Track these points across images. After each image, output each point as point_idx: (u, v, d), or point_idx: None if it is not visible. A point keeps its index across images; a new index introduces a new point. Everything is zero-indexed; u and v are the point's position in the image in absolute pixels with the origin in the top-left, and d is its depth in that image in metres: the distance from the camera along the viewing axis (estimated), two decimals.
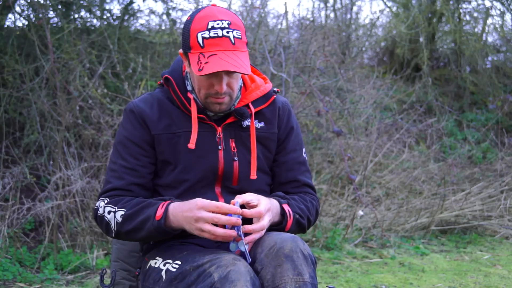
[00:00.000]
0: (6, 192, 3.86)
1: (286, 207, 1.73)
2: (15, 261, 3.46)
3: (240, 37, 1.66)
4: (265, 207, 1.63)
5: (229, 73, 1.67)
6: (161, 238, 1.69)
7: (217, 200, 1.77)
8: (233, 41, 1.64)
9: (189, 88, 1.80)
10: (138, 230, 1.65)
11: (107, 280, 1.92)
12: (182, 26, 5.29)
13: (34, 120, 4.22)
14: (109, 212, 1.70)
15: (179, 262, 1.64)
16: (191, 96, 1.77)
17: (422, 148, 6.59)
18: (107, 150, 4.03)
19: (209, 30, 1.63)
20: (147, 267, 1.75)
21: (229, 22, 1.65)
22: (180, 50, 1.76)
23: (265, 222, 1.61)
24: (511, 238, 4.58)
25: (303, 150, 1.92)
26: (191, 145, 1.72)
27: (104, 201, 1.73)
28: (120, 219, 1.67)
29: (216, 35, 1.63)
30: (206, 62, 1.61)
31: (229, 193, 1.77)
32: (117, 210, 1.69)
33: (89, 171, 3.98)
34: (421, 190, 5.34)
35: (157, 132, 1.77)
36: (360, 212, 4.37)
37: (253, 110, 1.80)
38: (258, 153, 1.80)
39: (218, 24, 1.63)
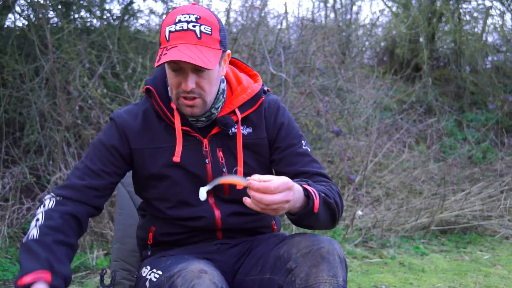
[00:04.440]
0: (6, 192, 3.86)
1: (308, 187, 1.56)
2: (15, 261, 3.46)
3: (209, 33, 1.57)
4: (278, 182, 1.42)
5: (198, 71, 1.58)
6: None
7: (213, 211, 1.72)
8: (198, 36, 1.56)
9: (170, 94, 1.70)
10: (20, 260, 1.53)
11: (107, 280, 1.92)
12: None
13: (34, 120, 4.22)
14: (37, 220, 1.59)
15: (160, 272, 1.62)
16: (174, 107, 1.68)
17: (422, 148, 6.59)
18: None
19: (175, 23, 1.57)
20: (139, 274, 1.75)
21: (198, 17, 1.57)
22: None
23: (272, 184, 1.41)
24: (511, 238, 4.58)
25: (303, 142, 1.78)
26: (176, 158, 1.65)
27: (50, 201, 1.65)
28: (26, 238, 1.56)
29: (181, 28, 1.56)
30: (165, 54, 1.54)
31: (223, 202, 1.73)
32: (39, 226, 1.57)
33: None
34: (421, 190, 5.34)
35: (138, 146, 1.70)
36: (359, 212, 4.37)
37: (239, 116, 1.71)
38: (248, 161, 1.72)
39: (185, 17, 1.57)
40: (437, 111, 7.28)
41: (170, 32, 1.57)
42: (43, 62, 4.07)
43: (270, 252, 1.64)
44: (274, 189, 1.40)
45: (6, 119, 4.31)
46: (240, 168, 1.70)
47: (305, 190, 1.54)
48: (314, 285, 1.46)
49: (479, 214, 4.79)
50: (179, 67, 1.58)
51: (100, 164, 1.68)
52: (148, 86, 1.71)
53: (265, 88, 1.80)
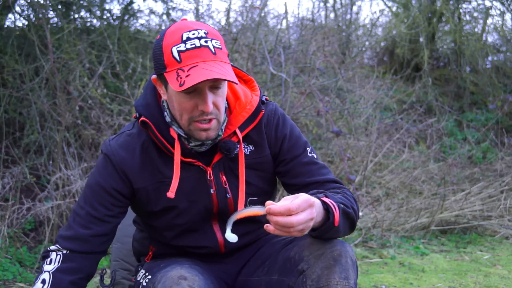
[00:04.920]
0: (6, 192, 3.86)
1: (326, 199, 1.47)
2: (15, 261, 3.46)
3: (220, 47, 1.47)
4: (298, 202, 1.34)
5: (214, 89, 1.48)
6: None
7: (217, 239, 1.69)
8: (213, 51, 1.45)
9: (167, 119, 1.58)
10: None
11: (107, 280, 1.92)
12: None
13: (34, 120, 4.22)
14: (43, 281, 1.53)
15: (150, 277, 1.62)
16: (174, 135, 1.57)
17: (422, 148, 6.59)
18: None
19: (184, 42, 1.44)
20: (135, 278, 1.75)
21: (206, 31, 1.47)
22: (153, 76, 1.56)
23: (293, 205, 1.32)
24: (511, 238, 4.57)
25: (308, 150, 1.69)
26: (171, 194, 1.55)
27: (57, 256, 1.56)
28: None
29: (193, 45, 1.44)
30: (187, 75, 1.41)
31: None
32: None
33: (89, 171, 3.98)
34: (421, 190, 5.34)
35: (141, 185, 1.60)
36: (359, 213, 4.37)
37: (240, 136, 1.61)
38: (252, 180, 1.66)
39: (194, 34, 1.45)
40: (437, 111, 7.28)
41: (180, 51, 1.44)
42: (43, 62, 4.07)
43: (278, 254, 1.63)
44: (296, 209, 1.32)
45: (6, 119, 4.31)
46: (241, 193, 1.62)
47: (323, 203, 1.46)
48: (325, 286, 1.45)
49: (479, 214, 4.79)
50: (194, 88, 1.45)
51: (103, 209, 1.58)
52: (143, 119, 1.57)
53: (264, 99, 1.69)
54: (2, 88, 4.23)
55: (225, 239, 1.69)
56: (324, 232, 1.48)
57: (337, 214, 1.46)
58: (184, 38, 1.45)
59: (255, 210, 1.39)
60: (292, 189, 1.69)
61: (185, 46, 1.44)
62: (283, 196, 1.42)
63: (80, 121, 4.11)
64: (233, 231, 1.67)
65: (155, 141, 1.59)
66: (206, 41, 1.45)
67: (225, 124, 1.61)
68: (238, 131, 1.62)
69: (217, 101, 1.50)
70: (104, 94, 4.24)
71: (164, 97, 1.56)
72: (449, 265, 3.89)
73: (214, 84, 1.48)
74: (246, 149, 1.65)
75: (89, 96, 4.17)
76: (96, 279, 3.36)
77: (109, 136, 3.99)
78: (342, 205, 1.51)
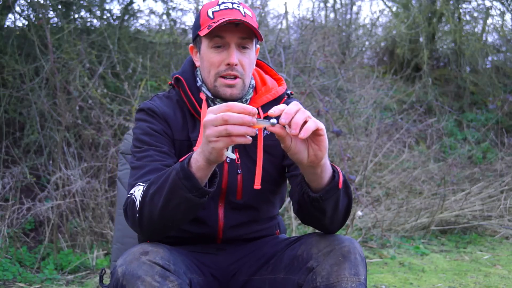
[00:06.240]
0: (6, 192, 3.86)
1: (332, 164, 1.53)
2: (15, 261, 3.46)
3: (250, 15, 1.63)
4: (299, 107, 1.32)
5: (241, 48, 1.61)
6: (188, 190, 1.37)
7: (217, 221, 1.69)
8: (243, 14, 1.61)
9: (199, 83, 1.71)
10: (161, 188, 1.42)
11: (107, 280, 1.92)
12: (182, 26, 5.35)
13: (34, 120, 4.22)
14: (138, 190, 1.50)
15: None
16: (203, 96, 1.68)
17: (422, 148, 6.59)
18: (107, 150, 4.03)
19: (219, 5, 1.63)
20: None
21: (240, 2, 1.65)
22: (190, 45, 1.73)
23: (292, 108, 1.30)
24: (511, 238, 4.57)
25: None
26: (196, 148, 1.59)
27: (142, 186, 1.50)
28: (146, 186, 1.47)
29: (226, 7, 1.62)
30: (216, 23, 1.56)
31: (233, 209, 1.68)
32: (146, 184, 1.49)
33: (89, 171, 3.98)
34: (421, 190, 5.34)
35: (179, 137, 1.67)
36: (359, 213, 4.37)
37: (262, 116, 1.69)
38: (264, 164, 1.66)
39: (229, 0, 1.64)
40: (437, 111, 7.28)
41: (214, 11, 1.62)
42: (43, 62, 4.08)
43: (283, 252, 1.62)
44: (305, 111, 1.32)
45: (6, 119, 4.32)
46: (259, 169, 1.63)
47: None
48: (336, 283, 1.46)
49: (479, 214, 4.79)
50: (224, 42, 1.60)
51: (166, 147, 1.63)
52: (177, 76, 1.71)
53: (289, 92, 1.80)
54: (2, 88, 4.23)
55: (225, 227, 1.68)
56: (327, 193, 1.46)
57: (341, 176, 1.48)
58: (220, 2, 1.64)
59: (265, 124, 1.32)
60: (292, 167, 1.71)
61: (219, 7, 1.63)
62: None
63: (80, 121, 4.11)
64: (234, 217, 1.65)
65: (185, 99, 1.69)
66: (238, 6, 1.63)
67: (250, 97, 1.71)
68: (260, 111, 1.71)
69: (243, 60, 1.62)
70: (104, 94, 4.24)
71: (197, 63, 1.71)
72: (449, 265, 3.89)
73: (242, 43, 1.61)
74: (263, 132, 1.69)
75: (89, 96, 4.17)
76: (96, 279, 3.36)
77: (109, 136, 4.00)
78: (344, 176, 1.54)
